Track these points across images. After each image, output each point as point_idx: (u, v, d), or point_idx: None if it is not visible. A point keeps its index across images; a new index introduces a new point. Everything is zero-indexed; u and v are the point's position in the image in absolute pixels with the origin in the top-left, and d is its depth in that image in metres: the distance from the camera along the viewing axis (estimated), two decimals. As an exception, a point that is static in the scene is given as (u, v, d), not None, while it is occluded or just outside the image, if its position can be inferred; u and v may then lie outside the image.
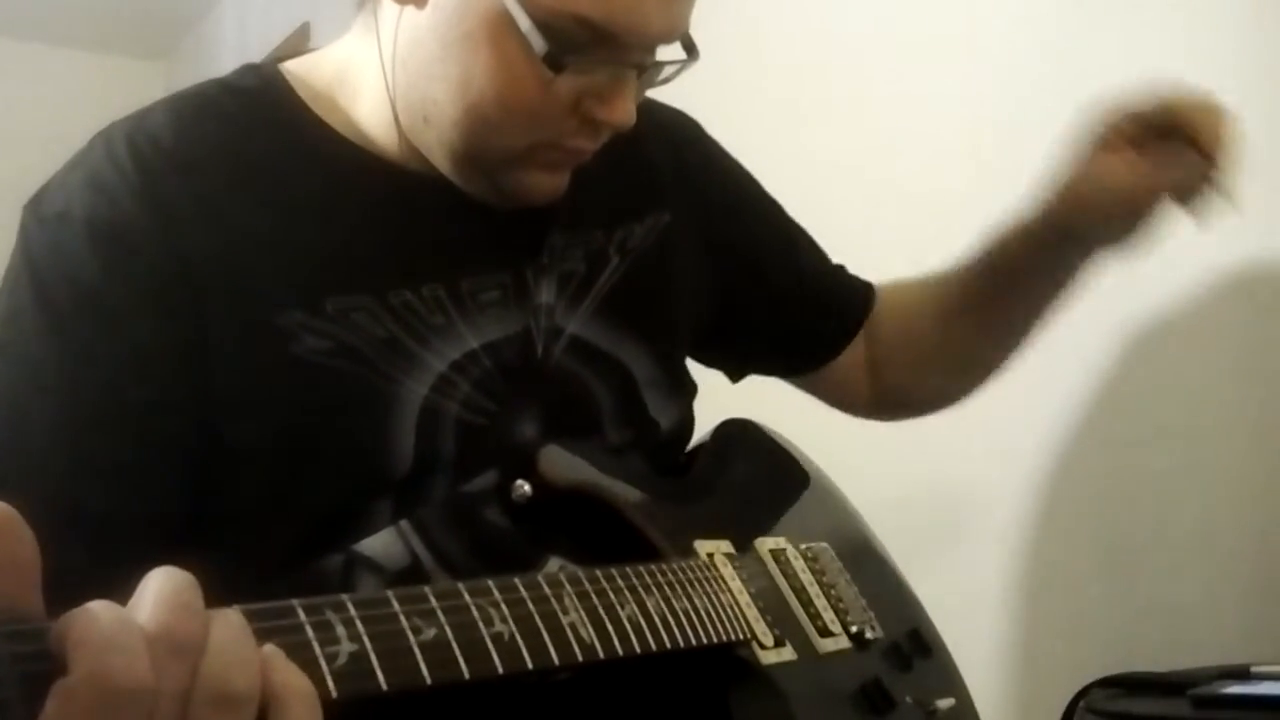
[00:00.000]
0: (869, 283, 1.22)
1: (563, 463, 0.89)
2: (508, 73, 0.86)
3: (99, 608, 0.50)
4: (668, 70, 0.92)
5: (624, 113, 0.90)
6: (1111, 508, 1.41)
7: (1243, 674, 1.03)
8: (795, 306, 1.18)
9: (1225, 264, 1.30)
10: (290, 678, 0.55)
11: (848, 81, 1.80)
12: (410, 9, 0.89)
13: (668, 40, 0.90)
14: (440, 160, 0.93)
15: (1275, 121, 1.26)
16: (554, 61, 0.85)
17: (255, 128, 0.93)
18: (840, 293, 1.21)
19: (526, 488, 0.87)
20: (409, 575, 0.88)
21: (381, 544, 0.88)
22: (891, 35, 1.74)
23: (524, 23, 0.84)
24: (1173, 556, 1.34)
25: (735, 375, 1.21)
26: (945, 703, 1.03)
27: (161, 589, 0.52)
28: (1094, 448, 1.43)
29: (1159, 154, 0.98)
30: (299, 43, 3.43)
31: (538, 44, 0.84)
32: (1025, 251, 1.08)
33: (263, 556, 0.86)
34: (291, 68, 0.98)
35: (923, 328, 1.18)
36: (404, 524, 0.89)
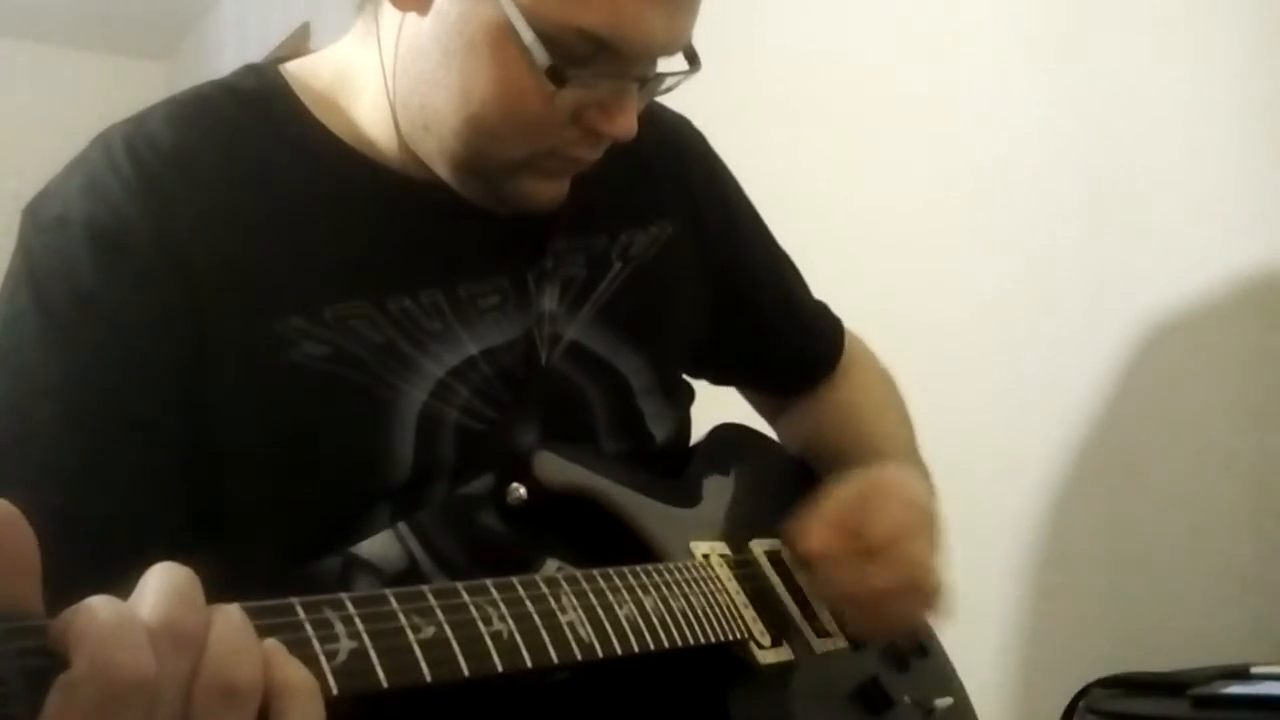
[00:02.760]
0: (840, 322, 1.24)
1: (558, 466, 0.89)
2: (509, 84, 0.86)
3: (100, 602, 0.49)
4: (669, 81, 0.92)
5: (626, 124, 0.89)
6: (1112, 508, 1.41)
7: (1243, 674, 1.03)
8: (780, 333, 1.18)
9: (1227, 268, 1.30)
10: (292, 672, 0.54)
11: (846, 87, 1.80)
12: (412, 16, 0.89)
13: (670, 52, 0.90)
14: (440, 167, 0.93)
15: (1276, 122, 1.26)
16: (556, 75, 0.84)
17: (255, 130, 0.93)
18: (817, 329, 1.22)
19: (522, 491, 0.87)
20: (407, 577, 0.88)
21: (379, 546, 0.88)
22: (891, 40, 1.74)
23: (527, 35, 0.83)
24: (1173, 557, 1.34)
25: (712, 382, 1.22)
26: (943, 702, 1.03)
27: (162, 583, 0.52)
28: (1095, 449, 1.43)
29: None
30: (299, 43, 3.44)
31: (540, 57, 0.84)
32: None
33: (261, 560, 0.86)
34: (292, 69, 0.98)
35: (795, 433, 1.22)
36: (401, 526, 0.89)
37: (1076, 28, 1.47)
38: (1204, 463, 1.32)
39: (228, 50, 4.09)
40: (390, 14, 0.90)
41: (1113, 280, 1.42)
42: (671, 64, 0.91)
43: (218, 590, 0.55)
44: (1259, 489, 1.27)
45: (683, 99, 0.98)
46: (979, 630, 1.50)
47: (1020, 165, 1.53)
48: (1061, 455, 1.46)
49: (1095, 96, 1.44)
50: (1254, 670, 1.03)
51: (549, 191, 0.93)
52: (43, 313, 0.84)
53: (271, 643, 0.55)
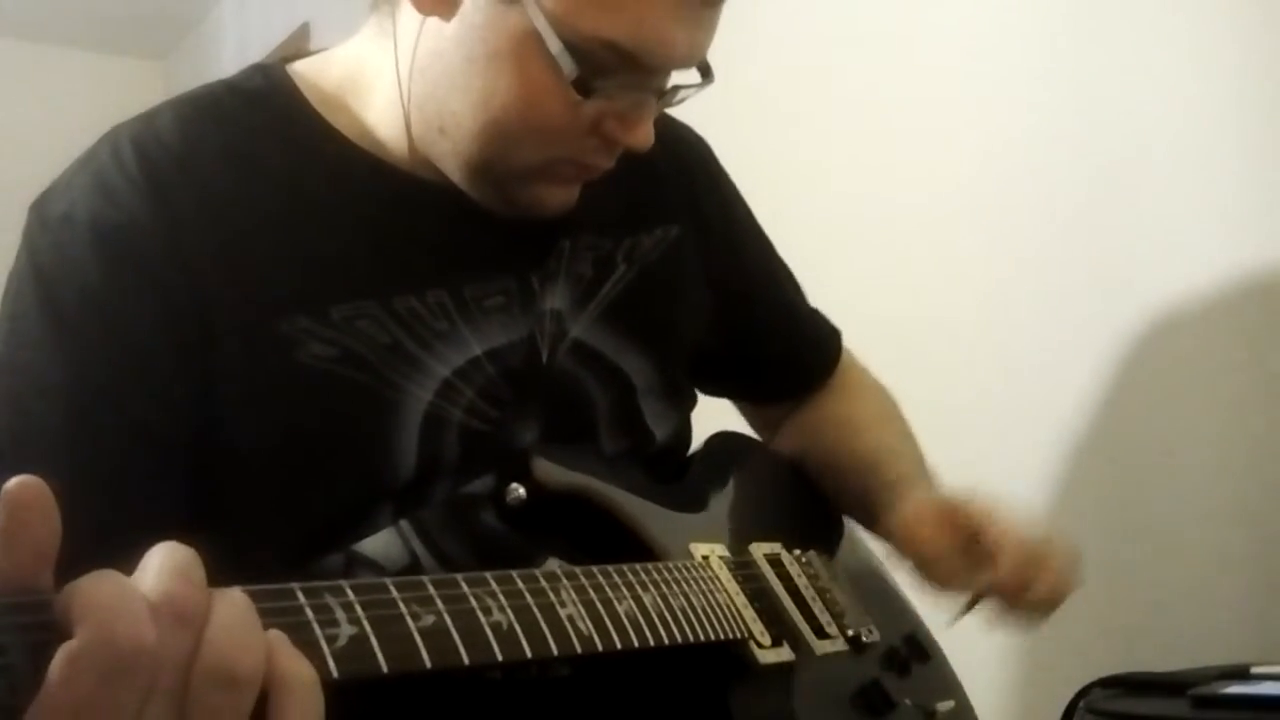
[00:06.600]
0: (838, 330, 1.24)
1: (557, 467, 0.89)
2: (533, 92, 0.87)
3: (103, 575, 0.50)
4: (684, 92, 0.93)
5: (644, 135, 0.91)
6: (1112, 508, 1.40)
7: (1243, 674, 1.03)
8: (774, 338, 1.19)
9: (1227, 267, 1.30)
10: (295, 664, 0.54)
11: (846, 86, 1.80)
12: (434, 19, 0.89)
13: (690, 65, 0.92)
14: (452, 170, 0.93)
15: (1276, 122, 1.26)
16: (583, 85, 0.85)
17: (262, 130, 0.93)
18: (816, 335, 1.22)
19: (521, 491, 0.86)
20: (408, 575, 0.87)
21: (381, 544, 0.88)
22: (892, 39, 1.74)
23: (554, 45, 0.84)
24: (1173, 557, 1.33)
25: (705, 392, 1.22)
26: (945, 706, 1.03)
27: (164, 560, 0.53)
28: (1094, 449, 1.43)
29: (976, 554, 1.00)
30: (299, 43, 3.43)
31: (568, 67, 0.85)
32: (853, 501, 1.13)
33: (264, 559, 0.86)
34: (300, 69, 0.98)
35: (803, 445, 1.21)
36: (403, 524, 0.89)
37: (1077, 26, 1.46)
38: (1203, 462, 1.32)
39: (228, 50, 4.09)
40: (409, 16, 0.91)
41: (1112, 279, 1.42)
42: (685, 76, 0.93)
43: (220, 585, 0.55)
44: (1259, 488, 1.27)
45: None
46: (979, 630, 1.50)
47: (1020, 164, 1.53)
48: (1060, 455, 1.46)
49: (1095, 94, 1.44)
50: (1254, 670, 1.03)
51: (560, 197, 0.94)
52: (47, 311, 0.85)
53: (275, 634, 0.55)
